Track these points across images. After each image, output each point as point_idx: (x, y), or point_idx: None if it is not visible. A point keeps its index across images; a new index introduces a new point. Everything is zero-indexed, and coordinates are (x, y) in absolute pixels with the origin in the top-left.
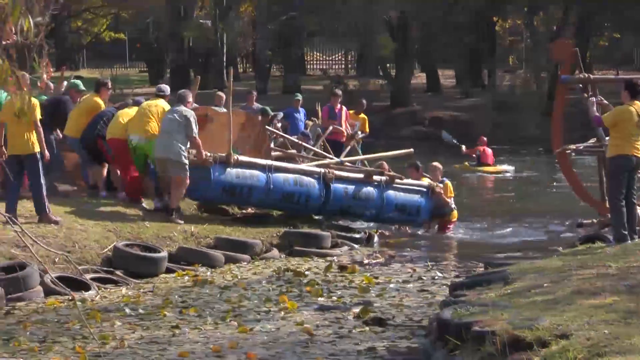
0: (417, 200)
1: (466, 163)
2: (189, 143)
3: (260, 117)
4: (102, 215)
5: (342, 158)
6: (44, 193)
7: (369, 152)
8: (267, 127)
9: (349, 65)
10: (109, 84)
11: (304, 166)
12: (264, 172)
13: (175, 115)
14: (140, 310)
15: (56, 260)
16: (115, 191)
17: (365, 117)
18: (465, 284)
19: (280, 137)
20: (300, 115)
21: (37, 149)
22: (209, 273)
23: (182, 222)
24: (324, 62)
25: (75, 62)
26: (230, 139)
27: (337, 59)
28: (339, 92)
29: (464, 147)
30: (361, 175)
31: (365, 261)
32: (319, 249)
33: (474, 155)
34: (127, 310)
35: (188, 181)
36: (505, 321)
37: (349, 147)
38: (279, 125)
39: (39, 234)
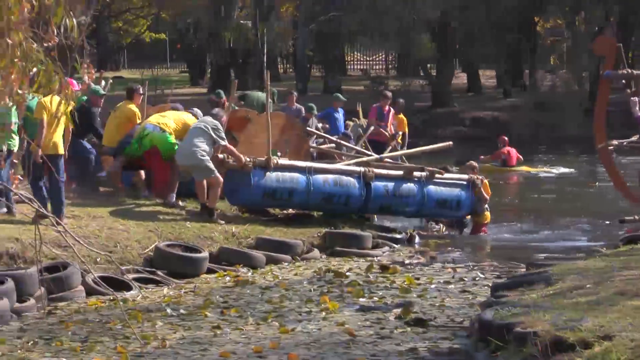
0: (458, 194)
1: (488, 164)
2: (216, 148)
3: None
4: (143, 215)
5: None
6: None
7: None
8: (308, 127)
9: (390, 66)
10: (140, 88)
11: (343, 166)
12: (304, 174)
13: (202, 124)
14: (182, 311)
15: (98, 260)
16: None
17: (404, 117)
18: (507, 285)
19: (320, 137)
20: (340, 115)
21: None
22: (250, 273)
23: (223, 222)
24: (365, 62)
25: (116, 62)
26: (270, 141)
27: (377, 59)
28: (389, 94)
29: (481, 156)
30: (401, 172)
31: (406, 261)
32: (360, 250)
33: (499, 160)
34: (169, 311)
35: (221, 180)
36: (547, 322)
37: (390, 147)
38: (320, 125)
39: (80, 234)
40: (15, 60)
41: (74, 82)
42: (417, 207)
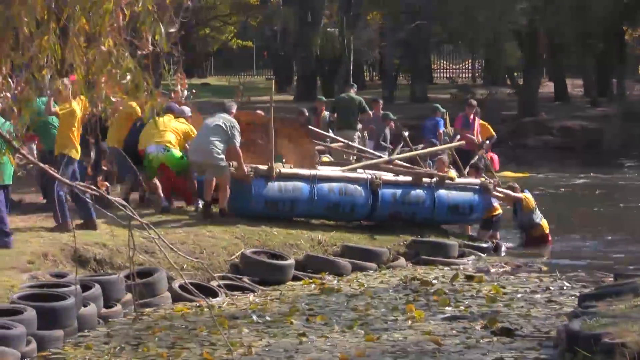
0: (470, 198)
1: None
2: (227, 149)
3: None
4: (229, 222)
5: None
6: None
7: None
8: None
9: (476, 74)
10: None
11: (349, 173)
12: (307, 183)
13: (220, 121)
14: (268, 318)
15: (184, 266)
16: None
17: (485, 122)
18: (594, 295)
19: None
20: (431, 124)
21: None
22: (335, 281)
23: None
24: (451, 70)
25: (202, 69)
26: (273, 150)
27: (464, 67)
28: (474, 102)
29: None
30: (409, 178)
31: (492, 270)
32: (446, 258)
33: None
34: (255, 317)
35: (229, 180)
36: (635, 333)
37: (476, 157)
38: (406, 133)
39: (167, 241)
40: (109, 66)
41: None
42: (428, 214)
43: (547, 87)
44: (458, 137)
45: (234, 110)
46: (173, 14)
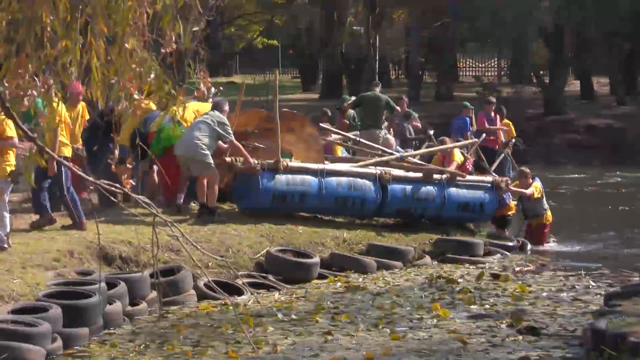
0: (481, 196)
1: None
2: (226, 146)
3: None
4: (255, 220)
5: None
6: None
7: (520, 160)
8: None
9: (502, 72)
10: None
11: (358, 168)
12: (315, 177)
13: (208, 118)
14: (293, 316)
15: (209, 264)
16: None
17: (509, 122)
18: (620, 294)
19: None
20: (459, 122)
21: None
22: (361, 279)
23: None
24: (477, 69)
25: (228, 68)
26: (279, 143)
27: (490, 65)
28: (493, 99)
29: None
30: (420, 175)
31: (517, 269)
32: (472, 257)
33: None
34: (280, 316)
35: (218, 177)
36: None
37: (502, 155)
38: (431, 132)
39: (192, 239)
40: (133, 65)
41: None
42: (437, 211)
43: (573, 86)
44: (484, 136)
45: (226, 108)
46: (199, 12)
